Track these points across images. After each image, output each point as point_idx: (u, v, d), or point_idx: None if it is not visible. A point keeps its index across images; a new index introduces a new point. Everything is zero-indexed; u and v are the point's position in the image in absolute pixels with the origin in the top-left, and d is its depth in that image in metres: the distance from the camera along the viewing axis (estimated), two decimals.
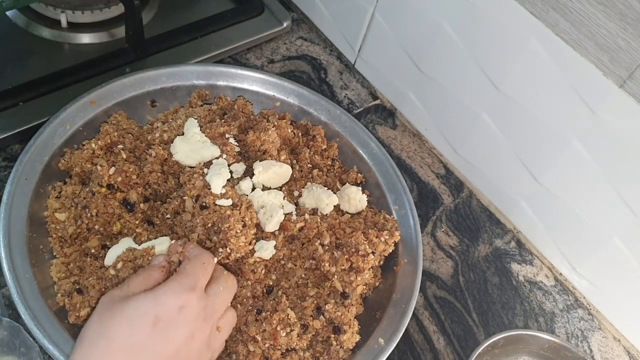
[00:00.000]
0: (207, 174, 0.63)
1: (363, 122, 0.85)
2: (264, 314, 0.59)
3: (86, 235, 0.62)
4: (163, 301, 0.49)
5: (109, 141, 0.67)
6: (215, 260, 0.56)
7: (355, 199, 0.69)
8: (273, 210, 0.64)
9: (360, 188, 0.71)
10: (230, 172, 0.66)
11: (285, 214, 0.66)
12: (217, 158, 0.66)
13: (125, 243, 0.61)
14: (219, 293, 0.54)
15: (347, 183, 0.73)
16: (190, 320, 0.50)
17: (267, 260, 0.63)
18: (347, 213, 0.70)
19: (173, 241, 0.59)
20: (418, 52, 0.81)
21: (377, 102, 0.91)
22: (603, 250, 0.71)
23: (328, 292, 0.63)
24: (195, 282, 0.52)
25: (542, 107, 0.69)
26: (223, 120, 0.71)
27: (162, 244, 0.61)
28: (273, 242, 0.63)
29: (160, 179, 0.65)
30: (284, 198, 0.67)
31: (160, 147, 0.67)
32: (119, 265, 0.57)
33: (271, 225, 0.63)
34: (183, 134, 0.68)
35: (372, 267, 0.64)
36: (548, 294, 0.77)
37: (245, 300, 0.60)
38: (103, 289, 0.57)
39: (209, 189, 0.61)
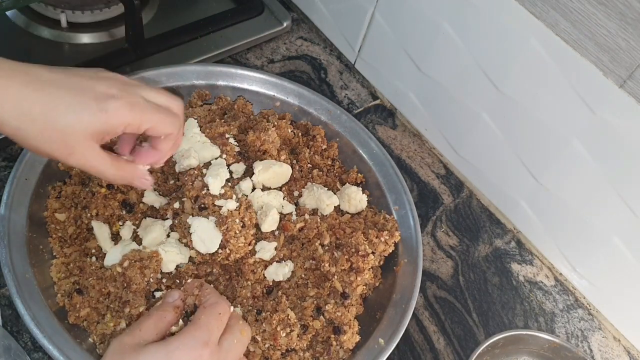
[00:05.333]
0: (206, 175, 0.63)
1: (363, 122, 0.85)
2: (264, 314, 0.59)
3: (86, 236, 0.62)
4: (174, 357, 0.47)
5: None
6: (232, 309, 0.54)
7: (355, 199, 0.69)
8: (268, 209, 0.64)
9: (360, 188, 0.71)
10: (230, 172, 0.66)
11: (285, 214, 0.66)
12: (216, 158, 0.66)
13: (125, 243, 0.61)
14: (232, 347, 0.51)
15: (347, 183, 0.73)
16: None
17: (267, 260, 0.63)
18: (347, 213, 0.70)
19: (190, 280, 0.58)
20: (418, 52, 0.81)
21: (377, 102, 0.91)
22: (603, 250, 0.71)
23: (328, 292, 0.63)
24: (209, 336, 0.49)
25: (542, 107, 0.69)
26: (223, 120, 0.71)
27: (153, 232, 0.60)
28: (274, 244, 0.63)
29: (160, 179, 0.65)
30: (283, 198, 0.67)
31: None
32: (126, 264, 0.57)
33: (266, 225, 0.63)
34: (183, 134, 0.68)
35: (372, 267, 0.64)
36: (548, 294, 0.77)
37: (245, 300, 0.60)
38: (103, 289, 0.57)
39: (208, 189, 0.61)
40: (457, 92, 0.79)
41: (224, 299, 0.54)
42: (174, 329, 0.52)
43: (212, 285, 0.60)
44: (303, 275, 0.63)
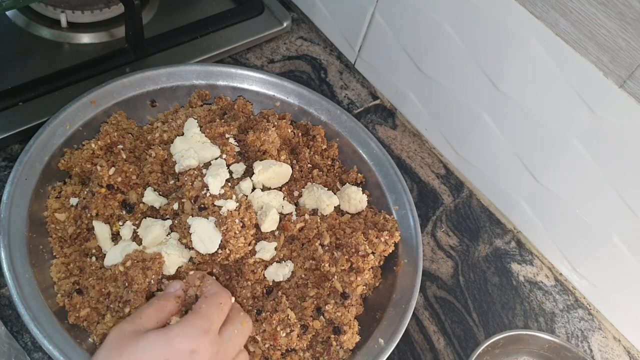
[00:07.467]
0: (205, 175, 0.63)
1: (363, 122, 0.85)
2: (263, 314, 0.59)
3: (86, 236, 0.62)
4: (175, 344, 0.47)
5: (108, 141, 0.67)
6: (233, 299, 0.55)
7: (355, 199, 0.69)
8: (268, 209, 0.64)
9: (360, 188, 0.71)
10: (230, 172, 0.66)
11: (285, 214, 0.66)
12: (216, 158, 0.66)
13: (125, 243, 0.61)
14: (232, 337, 0.51)
15: (347, 183, 0.73)
16: None
17: (267, 260, 0.63)
18: (347, 213, 0.70)
19: (192, 272, 0.58)
20: (418, 52, 0.81)
21: (377, 102, 0.91)
22: (603, 250, 0.71)
23: (328, 293, 0.63)
24: (209, 325, 0.49)
25: (542, 107, 0.69)
26: (223, 120, 0.71)
27: (153, 232, 0.60)
28: (274, 244, 0.63)
29: (160, 179, 0.65)
30: (283, 198, 0.67)
31: (160, 147, 0.67)
32: (128, 264, 0.57)
33: (266, 225, 0.63)
34: (183, 134, 0.68)
35: (372, 268, 0.64)
36: (548, 294, 0.77)
37: (245, 300, 0.60)
38: (103, 289, 0.57)
39: (208, 189, 0.61)
40: (457, 92, 0.79)
41: (225, 289, 0.54)
42: (173, 319, 0.52)
43: None
44: (303, 276, 0.63)
